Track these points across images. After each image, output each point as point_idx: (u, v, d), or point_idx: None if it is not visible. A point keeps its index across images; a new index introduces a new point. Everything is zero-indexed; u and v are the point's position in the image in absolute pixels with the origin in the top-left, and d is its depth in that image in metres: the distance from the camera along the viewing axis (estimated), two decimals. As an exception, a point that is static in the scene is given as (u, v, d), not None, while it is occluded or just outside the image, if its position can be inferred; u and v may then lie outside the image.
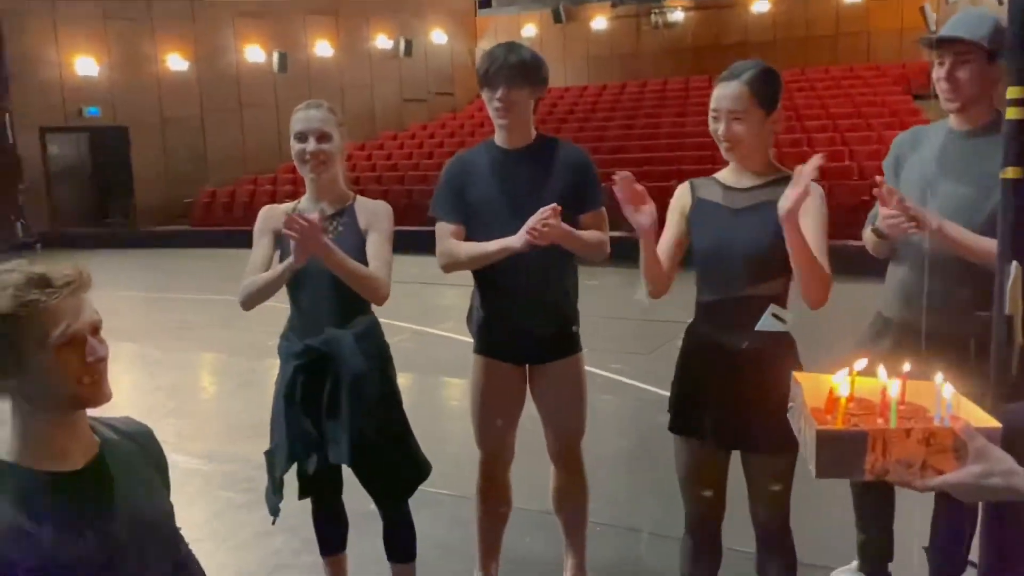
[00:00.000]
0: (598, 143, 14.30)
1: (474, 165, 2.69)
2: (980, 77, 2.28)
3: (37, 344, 1.33)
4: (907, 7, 16.36)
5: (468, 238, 2.66)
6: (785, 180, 2.22)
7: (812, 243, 2.13)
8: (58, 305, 1.34)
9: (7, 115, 15.24)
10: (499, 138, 2.68)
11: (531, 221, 2.41)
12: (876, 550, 2.82)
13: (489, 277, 2.66)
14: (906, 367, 1.43)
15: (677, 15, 19.57)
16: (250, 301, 2.49)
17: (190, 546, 1.63)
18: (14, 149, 15.46)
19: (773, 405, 1.73)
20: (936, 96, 2.42)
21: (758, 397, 2.12)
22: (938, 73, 2.34)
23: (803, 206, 2.13)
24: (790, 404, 1.53)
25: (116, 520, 1.45)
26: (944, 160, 2.40)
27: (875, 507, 2.76)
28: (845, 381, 1.41)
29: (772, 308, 2.18)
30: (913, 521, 2.70)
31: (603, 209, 2.68)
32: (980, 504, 1.95)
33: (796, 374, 1.56)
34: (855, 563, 2.90)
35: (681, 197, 2.36)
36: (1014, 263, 1.87)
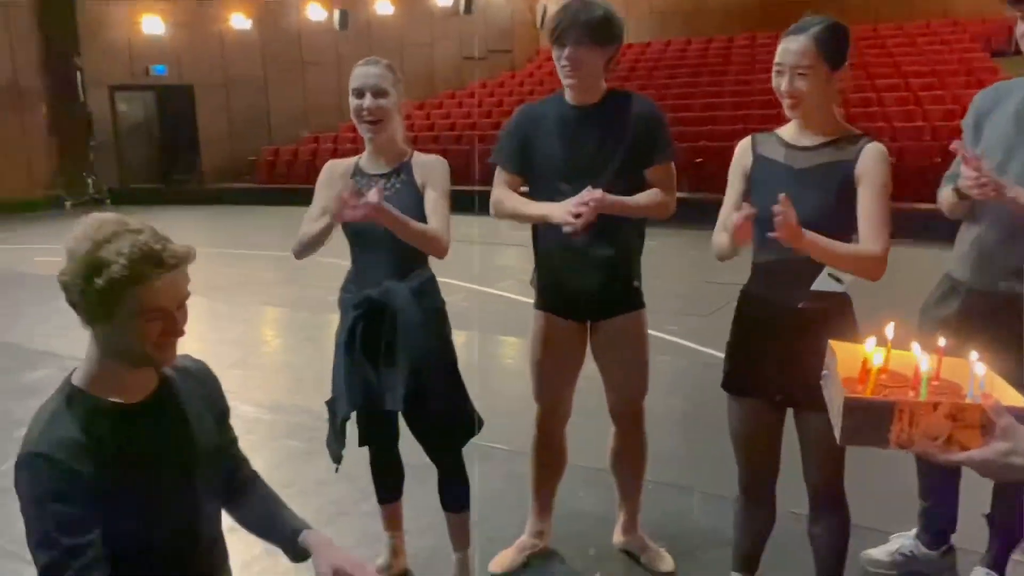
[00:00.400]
0: (660, 101, 14.03)
1: (542, 118, 2.68)
2: None
3: (129, 311, 1.43)
4: (989, -41, 15.60)
5: (530, 192, 2.66)
6: (851, 140, 2.17)
7: (867, 211, 2.10)
8: (159, 285, 1.43)
9: (78, 73, 15.64)
10: (568, 94, 2.66)
11: (574, 201, 2.43)
12: (938, 519, 2.78)
13: (550, 233, 2.66)
14: (941, 342, 1.43)
15: (744, -31, 18.99)
16: (300, 251, 2.55)
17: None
18: (85, 107, 15.89)
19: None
20: (1018, 53, 2.32)
21: (813, 356, 2.10)
22: (1021, 29, 2.24)
23: (863, 168, 2.10)
24: (824, 372, 1.52)
25: (169, 451, 1.57)
26: (1017, 121, 2.30)
27: (941, 475, 2.70)
28: (879, 352, 1.41)
29: (828, 268, 2.14)
30: (974, 489, 2.65)
31: (671, 165, 2.63)
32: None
33: (832, 343, 1.57)
34: (914, 530, 2.86)
35: (742, 155, 2.32)
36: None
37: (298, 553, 1.67)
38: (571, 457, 3.06)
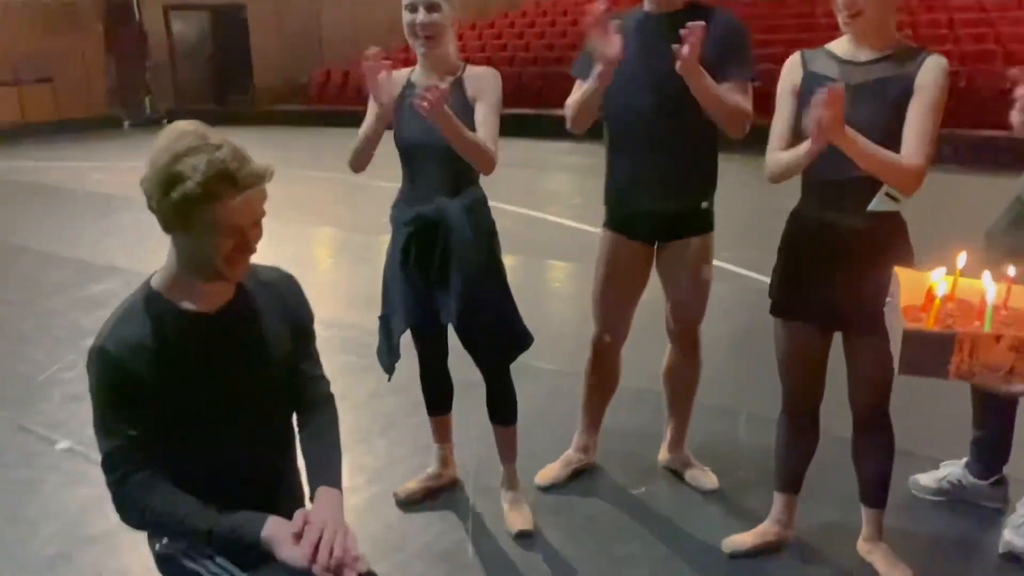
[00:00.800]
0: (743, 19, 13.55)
1: (621, 29, 2.59)
2: None
3: (203, 225, 1.47)
4: None
5: (605, 103, 2.61)
6: (908, 54, 2.10)
7: (916, 123, 2.04)
8: (232, 204, 1.46)
9: (134, -7, 15.71)
10: (646, 3, 2.65)
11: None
12: (990, 449, 2.74)
13: (621, 149, 2.68)
14: (1011, 271, 1.40)
15: None
16: (355, 157, 2.58)
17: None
18: (141, 26, 15.97)
19: (880, 287, 1.71)
20: None
21: (867, 280, 2.08)
22: None
23: (922, 81, 2.03)
24: (887, 299, 1.51)
25: (235, 361, 1.62)
26: None
27: (996, 405, 2.66)
28: (944, 281, 1.39)
29: (886, 187, 2.09)
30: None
31: (748, 84, 2.55)
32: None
33: (897, 269, 1.55)
34: (965, 459, 2.84)
35: (791, 72, 2.25)
36: None
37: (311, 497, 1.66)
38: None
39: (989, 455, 2.76)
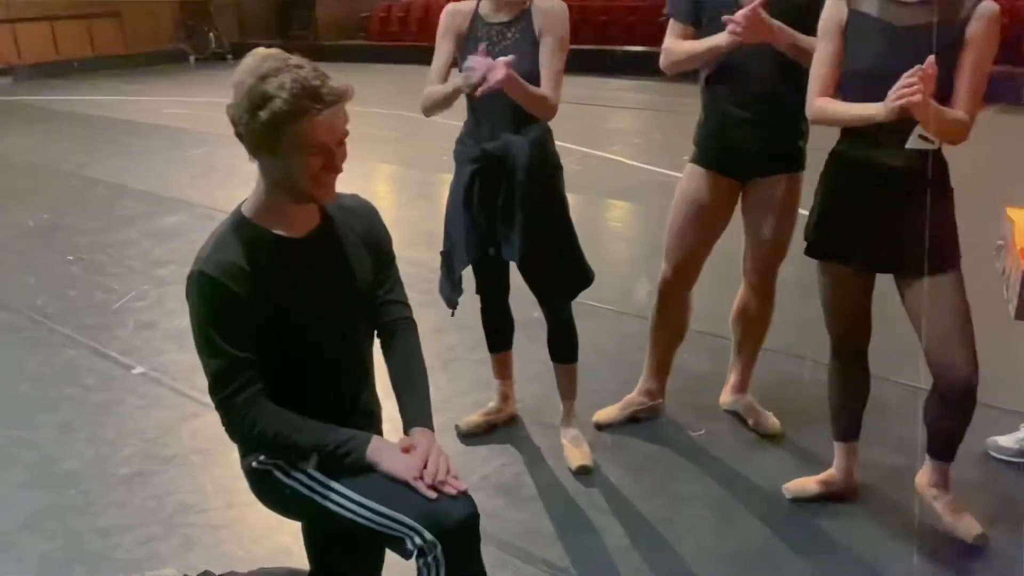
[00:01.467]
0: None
1: None
2: None
3: (292, 142, 1.52)
4: None
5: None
6: None
7: (968, 77, 2.00)
8: (319, 120, 1.51)
9: (198, -74, 15.70)
10: None
11: (737, 15, 2.33)
12: None
13: (717, 86, 2.63)
14: None
15: None
16: (430, 110, 2.58)
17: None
18: (205, -40, 16.01)
19: (927, 224, 1.63)
20: None
21: (913, 218, 2.06)
22: None
23: (974, 34, 1.97)
24: (999, 242, 1.44)
25: (325, 284, 1.68)
26: None
27: None
28: None
29: (918, 129, 2.03)
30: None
31: None
32: None
33: (1010, 210, 1.49)
34: None
35: (835, 9, 2.16)
36: None
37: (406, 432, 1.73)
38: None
39: None
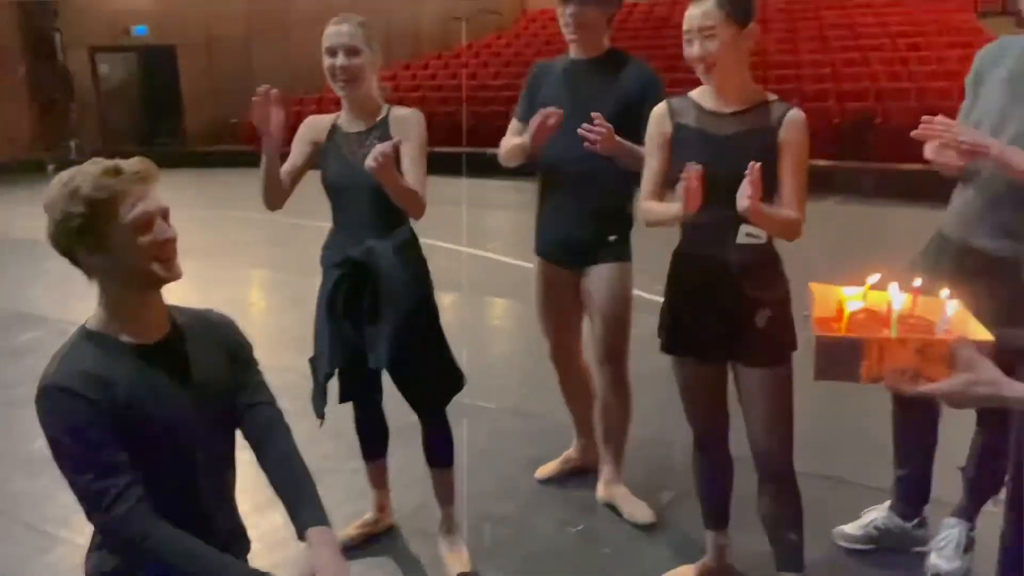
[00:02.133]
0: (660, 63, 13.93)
1: (548, 70, 2.93)
2: None
3: (114, 223, 1.53)
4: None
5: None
6: (768, 107, 2.23)
7: (791, 178, 2.18)
8: (129, 189, 1.54)
9: (57, 34, 15.37)
10: (571, 50, 2.87)
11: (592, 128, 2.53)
12: (914, 487, 2.74)
13: (544, 180, 2.89)
14: (917, 282, 1.48)
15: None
16: (264, 196, 2.62)
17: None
18: (65, 69, 15.64)
19: (759, 318, 1.75)
20: (1004, 13, 2.30)
21: (744, 311, 2.21)
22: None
23: (787, 137, 2.18)
24: (804, 313, 1.58)
25: (183, 391, 1.64)
26: (1019, 79, 2.28)
27: (916, 441, 2.69)
28: (855, 293, 1.47)
29: (744, 227, 2.20)
30: (950, 443, 2.71)
31: None
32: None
33: (812, 285, 1.61)
34: (887, 502, 2.84)
35: (660, 122, 2.34)
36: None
37: (301, 536, 1.66)
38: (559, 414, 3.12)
39: (912, 494, 2.75)
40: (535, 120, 2.66)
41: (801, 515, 2.39)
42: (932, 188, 2.57)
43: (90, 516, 1.53)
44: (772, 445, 2.32)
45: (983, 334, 1.40)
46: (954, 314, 1.42)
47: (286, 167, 2.63)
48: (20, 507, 3.25)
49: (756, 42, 2.23)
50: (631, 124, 2.60)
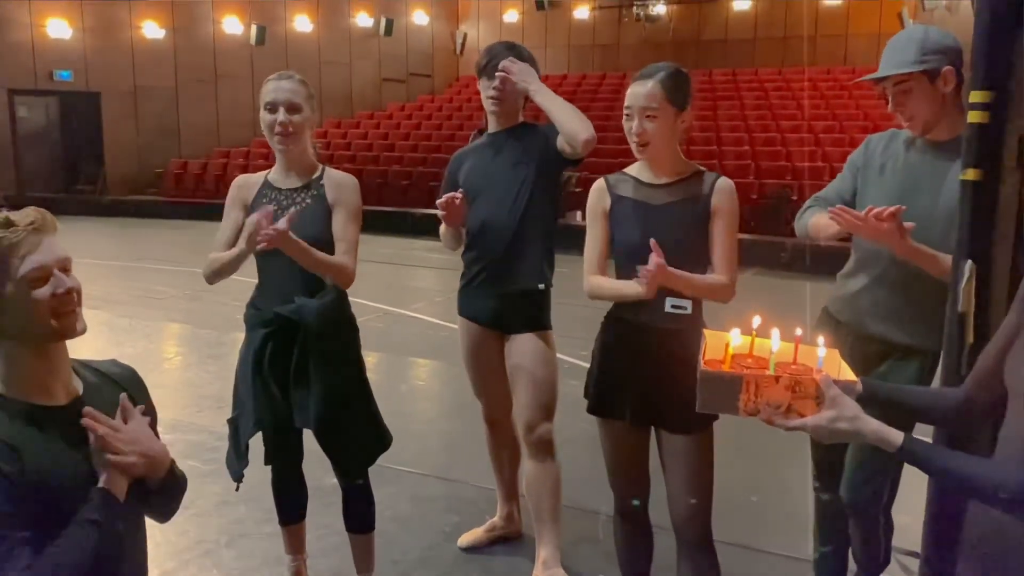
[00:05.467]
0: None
1: (466, 152, 3.02)
2: (927, 99, 2.28)
3: (7, 279, 1.43)
4: (886, 12, 16.52)
5: (468, 217, 2.89)
6: (700, 176, 2.33)
7: (721, 243, 2.28)
8: (22, 241, 1.44)
9: (-25, 75, 14.92)
10: (490, 122, 2.96)
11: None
12: (835, 565, 2.73)
13: (472, 244, 2.92)
14: (798, 332, 1.62)
15: (660, 8, 19.56)
16: (213, 277, 2.53)
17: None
18: (-19, 110, 15.15)
19: (683, 385, 1.78)
20: None
21: (670, 376, 2.22)
22: (890, 106, 2.37)
23: (718, 203, 2.28)
24: (699, 357, 1.66)
25: (89, 454, 1.52)
26: (910, 173, 2.38)
27: (833, 522, 2.69)
28: (740, 338, 1.65)
29: (668, 299, 2.27)
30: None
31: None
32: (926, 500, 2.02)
33: (706, 331, 1.75)
34: None
35: (599, 197, 2.41)
36: (968, 261, 1.93)
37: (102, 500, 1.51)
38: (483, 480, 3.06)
39: (835, 570, 2.74)
40: (441, 203, 2.78)
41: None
42: (842, 264, 2.63)
43: None
44: (691, 510, 2.34)
45: (848, 375, 1.57)
46: (826, 358, 1.58)
47: (222, 237, 2.56)
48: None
49: (690, 124, 2.33)
50: (549, 181, 2.79)
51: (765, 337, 1.64)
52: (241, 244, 2.38)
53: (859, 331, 2.47)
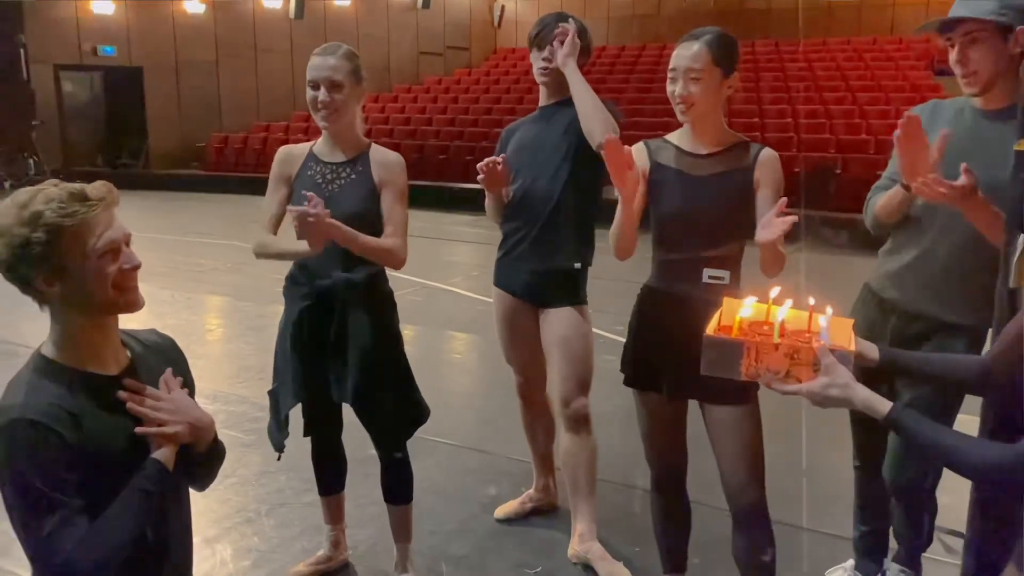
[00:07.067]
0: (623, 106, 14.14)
1: (517, 125, 3.06)
2: (994, 55, 2.17)
3: (78, 252, 1.45)
4: (935, -21, 16.06)
5: (514, 187, 2.91)
6: (743, 147, 2.28)
7: (767, 211, 2.20)
8: (96, 217, 1.46)
9: (22, 51, 15.15)
10: (541, 95, 2.96)
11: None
12: (876, 542, 2.71)
13: (513, 215, 2.92)
14: (811, 300, 1.67)
15: (701, -23, 19.23)
16: (262, 257, 2.56)
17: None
18: (28, 85, 15.40)
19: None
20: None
21: None
22: (952, 57, 2.25)
23: (763, 174, 2.25)
24: (712, 322, 1.71)
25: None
26: (961, 142, 2.24)
27: (874, 501, 2.66)
28: (751, 307, 1.71)
29: (707, 271, 2.26)
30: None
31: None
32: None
33: (726, 298, 1.79)
34: (851, 561, 2.79)
35: (638, 158, 2.34)
36: (1022, 235, 1.86)
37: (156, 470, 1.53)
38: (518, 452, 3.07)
39: (875, 549, 2.72)
40: (481, 166, 2.77)
41: (773, 555, 2.35)
42: (884, 239, 2.56)
43: (48, 566, 1.42)
44: (744, 481, 2.31)
45: (847, 344, 1.61)
46: (833, 328, 1.62)
47: (267, 214, 2.58)
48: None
49: (735, 90, 2.28)
50: (593, 159, 2.70)
51: (781, 305, 1.67)
52: (303, 246, 2.36)
53: (904, 308, 2.41)
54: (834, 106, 13.33)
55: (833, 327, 1.63)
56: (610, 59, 18.50)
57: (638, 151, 2.35)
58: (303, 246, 2.36)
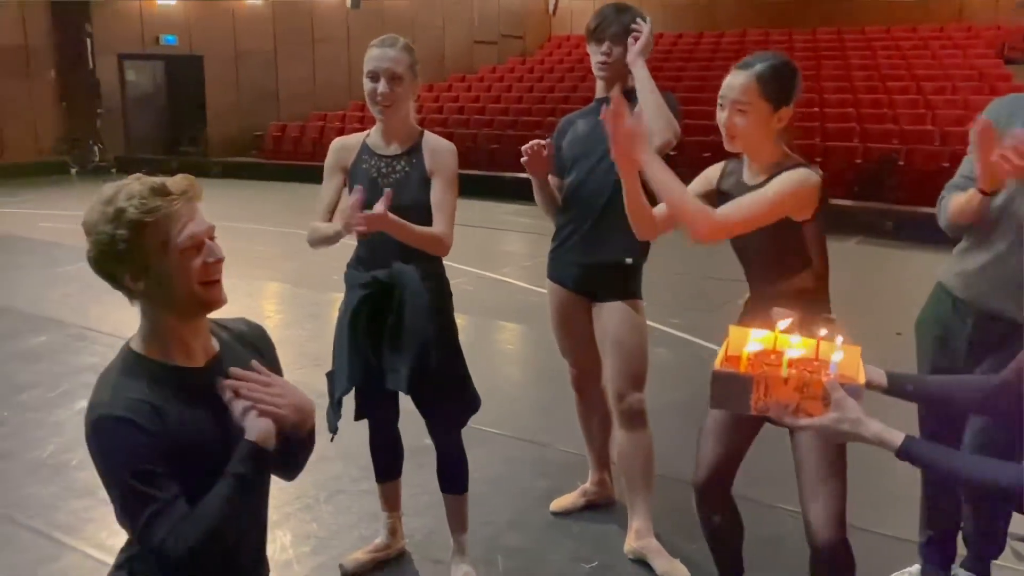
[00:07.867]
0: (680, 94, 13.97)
1: (574, 116, 3.02)
2: None
3: (162, 247, 1.46)
4: (1006, -36, 15.52)
5: (567, 177, 2.91)
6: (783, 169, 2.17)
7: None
8: (178, 211, 1.46)
9: (88, 40, 15.56)
10: (598, 87, 2.92)
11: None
12: (941, 551, 2.65)
13: (566, 208, 2.92)
14: (822, 332, 1.64)
15: (761, -36, 18.87)
16: (314, 244, 2.61)
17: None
18: (94, 74, 15.81)
19: None
20: None
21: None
22: None
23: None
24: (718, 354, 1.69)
25: (227, 416, 1.54)
26: None
27: (943, 505, 2.60)
28: (757, 340, 1.67)
29: (774, 311, 2.04)
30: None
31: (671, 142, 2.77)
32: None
33: (731, 327, 1.76)
34: (916, 566, 2.73)
35: (709, 175, 2.35)
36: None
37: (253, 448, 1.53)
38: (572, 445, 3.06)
39: (941, 555, 2.66)
40: (525, 148, 2.79)
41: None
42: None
43: (146, 551, 1.46)
44: (815, 515, 2.11)
45: (856, 378, 1.59)
46: (842, 360, 1.59)
47: (323, 203, 2.63)
48: (28, 513, 3.22)
49: (787, 122, 2.17)
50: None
51: (789, 334, 1.65)
52: (337, 226, 2.43)
53: (981, 309, 2.33)
54: (898, 96, 12.97)
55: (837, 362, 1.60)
56: (666, 46, 18.27)
57: (716, 167, 2.35)
58: (337, 230, 2.43)
